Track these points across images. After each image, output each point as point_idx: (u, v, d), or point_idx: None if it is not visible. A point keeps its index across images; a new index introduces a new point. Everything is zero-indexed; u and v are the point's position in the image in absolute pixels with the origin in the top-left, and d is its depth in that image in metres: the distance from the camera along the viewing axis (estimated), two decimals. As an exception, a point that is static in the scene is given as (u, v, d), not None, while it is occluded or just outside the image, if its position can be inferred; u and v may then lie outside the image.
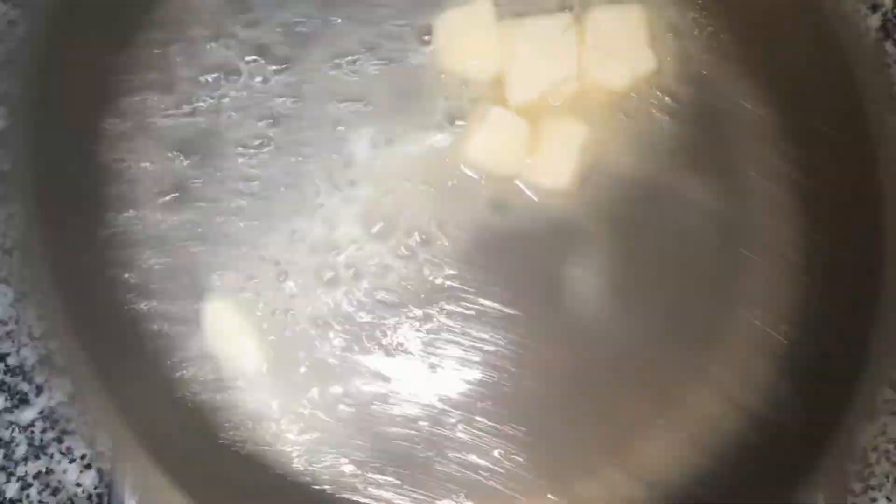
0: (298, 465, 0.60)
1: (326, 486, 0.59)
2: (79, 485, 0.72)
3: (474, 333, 0.63)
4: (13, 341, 0.74)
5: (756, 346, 0.61)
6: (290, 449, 0.61)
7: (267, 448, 0.61)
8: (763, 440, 0.56)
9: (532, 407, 0.60)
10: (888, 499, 0.74)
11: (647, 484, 0.56)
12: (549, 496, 0.55)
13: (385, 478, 0.60)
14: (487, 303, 0.63)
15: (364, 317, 0.64)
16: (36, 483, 0.72)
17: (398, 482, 0.59)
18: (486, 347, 0.63)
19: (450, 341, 0.63)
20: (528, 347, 0.62)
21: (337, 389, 0.63)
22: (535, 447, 0.58)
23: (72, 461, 0.72)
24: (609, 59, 0.62)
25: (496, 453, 0.59)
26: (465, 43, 0.63)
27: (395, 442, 0.61)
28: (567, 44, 0.62)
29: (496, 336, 0.62)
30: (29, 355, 0.74)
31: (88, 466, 0.72)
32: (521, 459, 0.57)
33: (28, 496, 0.72)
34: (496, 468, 0.58)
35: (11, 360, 0.74)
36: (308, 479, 0.60)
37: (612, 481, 0.57)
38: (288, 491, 0.59)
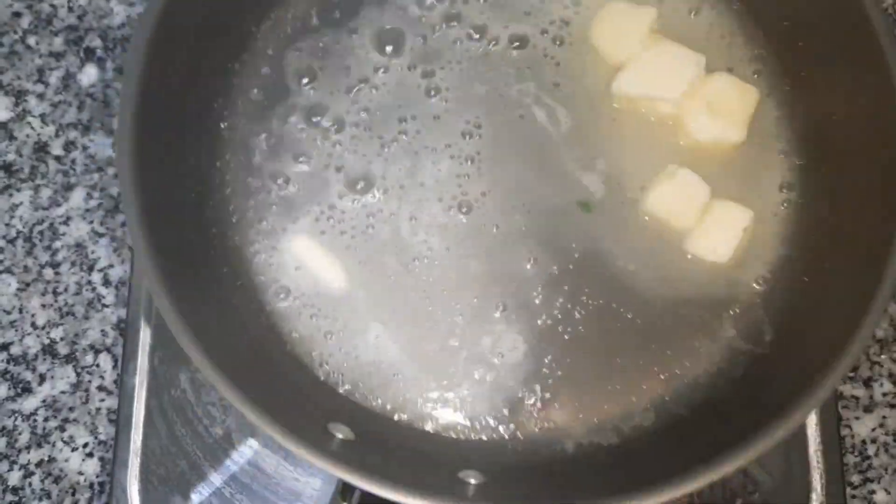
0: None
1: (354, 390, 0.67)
2: (81, 473, 0.73)
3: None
4: (17, 330, 0.74)
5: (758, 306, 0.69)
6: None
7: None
8: (759, 380, 0.66)
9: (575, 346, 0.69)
10: (886, 491, 0.74)
11: (656, 410, 0.67)
12: (599, 414, 0.67)
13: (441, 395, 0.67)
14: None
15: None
16: (38, 471, 0.73)
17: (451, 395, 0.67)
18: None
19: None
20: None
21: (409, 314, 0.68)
22: (573, 375, 0.68)
23: (74, 450, 0.73)
24: (705, 113, 0.69)
25: (547, 381, 0.68)
26: (614, 28, 0.72)
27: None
28: (686, 76, 0.69)
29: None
30: (32, 344, 0.74)
31: (90, 455, 0.73)
32: (562, 381, 0.68)
33: (30, 484, 0.72)
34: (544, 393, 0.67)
35: (15, 349, 0.74)
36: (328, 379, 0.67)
37: (629, 404, 0.67)
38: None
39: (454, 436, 0.66)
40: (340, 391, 0.66)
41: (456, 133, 0.71)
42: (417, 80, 0.71)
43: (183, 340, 0.56)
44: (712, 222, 0.68)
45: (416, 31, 0.72)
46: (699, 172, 0.68)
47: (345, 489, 0.57)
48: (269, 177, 0.69)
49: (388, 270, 0.68)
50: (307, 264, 0.68)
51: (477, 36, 0.72)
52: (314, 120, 0.70)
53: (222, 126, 0.70)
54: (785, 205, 0.70)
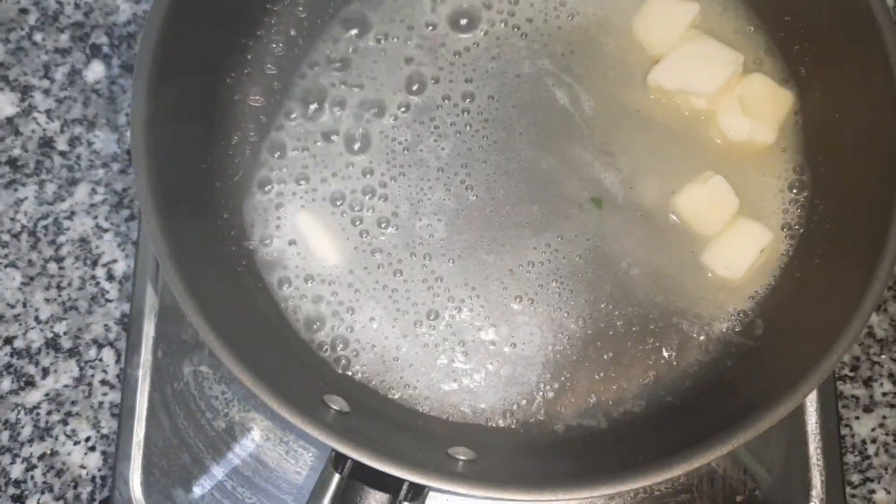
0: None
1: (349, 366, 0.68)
2: (83, 466, 0.73)
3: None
4: (20, 324, 0.75)
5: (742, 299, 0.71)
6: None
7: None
8: (747, 371, 0.67)
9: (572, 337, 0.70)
10: (886, 490, 0.74)
11: (647, 398, 0.69)
12: (591, 399, 0.69)
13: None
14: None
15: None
16: (41, 464, 0.73)
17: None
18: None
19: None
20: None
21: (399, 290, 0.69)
22: (568, 364, 0.69)
23: (76, 443, 0.73)
24: (738, 111, 0.70)
25: (543, 371, 0.69)
26: (656, 22, 0.72)
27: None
28: (723, 73, 0.70)
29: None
30: (35, 338, 0.75)
31: (93, 448, 0.73)
32: (558, 370, 0.69)
33: (32, 477, 0.72)
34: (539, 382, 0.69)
35: (18, 343, 0.75)
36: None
37: (620, 391, 0.69)
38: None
39: (448, 418, 0.67)
40: (338, 367, 0.68)
41: (463, 109, 0.72)
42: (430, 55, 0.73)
43: (187, 308, 0.57)
44: (732, 238, 0.69)
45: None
46: (722, 172, 0.69)
47: (337, 459, 0.58)
48: (274, 151, 0.71)
49: (388, 253, 0.69)
50: (307, 240, 0.69)
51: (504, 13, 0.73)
52: (321, 96, 0.71)
53: (235, 98, 0.71)
54: (791, 204, 0.70)
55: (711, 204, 0.69)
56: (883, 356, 0.77)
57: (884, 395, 0.76)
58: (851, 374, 0.76)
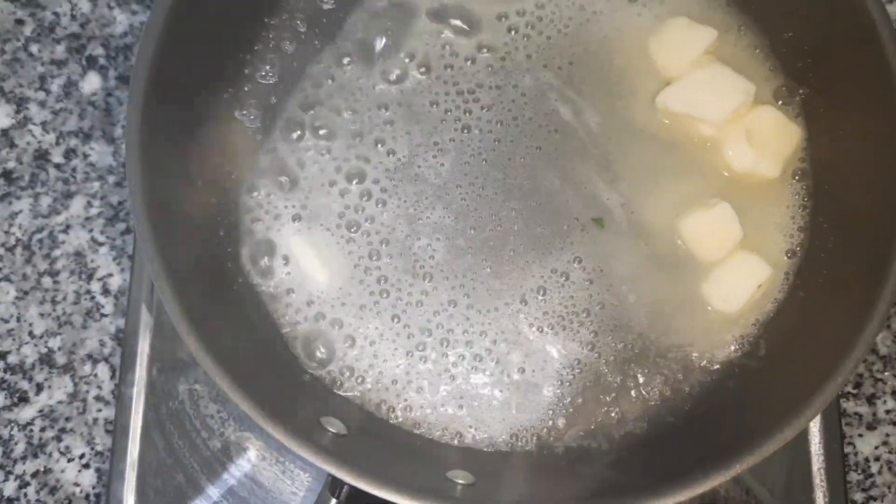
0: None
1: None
2: (77, 484, 0.72)
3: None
4: (14, 339, 0.74)
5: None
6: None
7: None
8: (751, 393, 0.67)
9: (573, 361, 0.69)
10: (889, 509, 0.74)
11: (648, 420, 0.68)
12: (592, 421, 0.68)
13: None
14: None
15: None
16: (34, 482, 0.72)
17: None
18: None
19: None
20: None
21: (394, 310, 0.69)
22: (571, 388, 0.68)
23: (70, 460, 0.72)
24: (743, 142, 0.69)
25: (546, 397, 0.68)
26: (672, 43, 0.72)
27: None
28: (733, 102, 0.69)
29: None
30: (29, 353, 0.74)
31: (87, 466, 0.72)
32: (561, 394, 0.68)
33: (26, 495, 0.72)
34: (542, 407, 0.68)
35: (12, 359, 0.74)
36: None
37: (622, 413, 0.68)
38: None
39: (448, 442, 0.66)
40: (336, 389, 0.67)
41: (463, 125, 0.71)
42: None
43: (181, 328, 0.56)
44: (731, 271, 0.68)
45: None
46: (725, 196, 0.68)
47: (333, 483, 0.58)
48: (270, 168, 0.70)
49: (387, 273, 0.68)
50: (304, 260, 0.68)
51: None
52: (318, 111, 0.71)
53: (233, 114, 0.70)
54: (794, 221, 0.70)
55: (715, 230, 0.68)
56: (886, 373, 0.76)
57: (887, 412, 0.75)
58: (854, 392, 0.76)
